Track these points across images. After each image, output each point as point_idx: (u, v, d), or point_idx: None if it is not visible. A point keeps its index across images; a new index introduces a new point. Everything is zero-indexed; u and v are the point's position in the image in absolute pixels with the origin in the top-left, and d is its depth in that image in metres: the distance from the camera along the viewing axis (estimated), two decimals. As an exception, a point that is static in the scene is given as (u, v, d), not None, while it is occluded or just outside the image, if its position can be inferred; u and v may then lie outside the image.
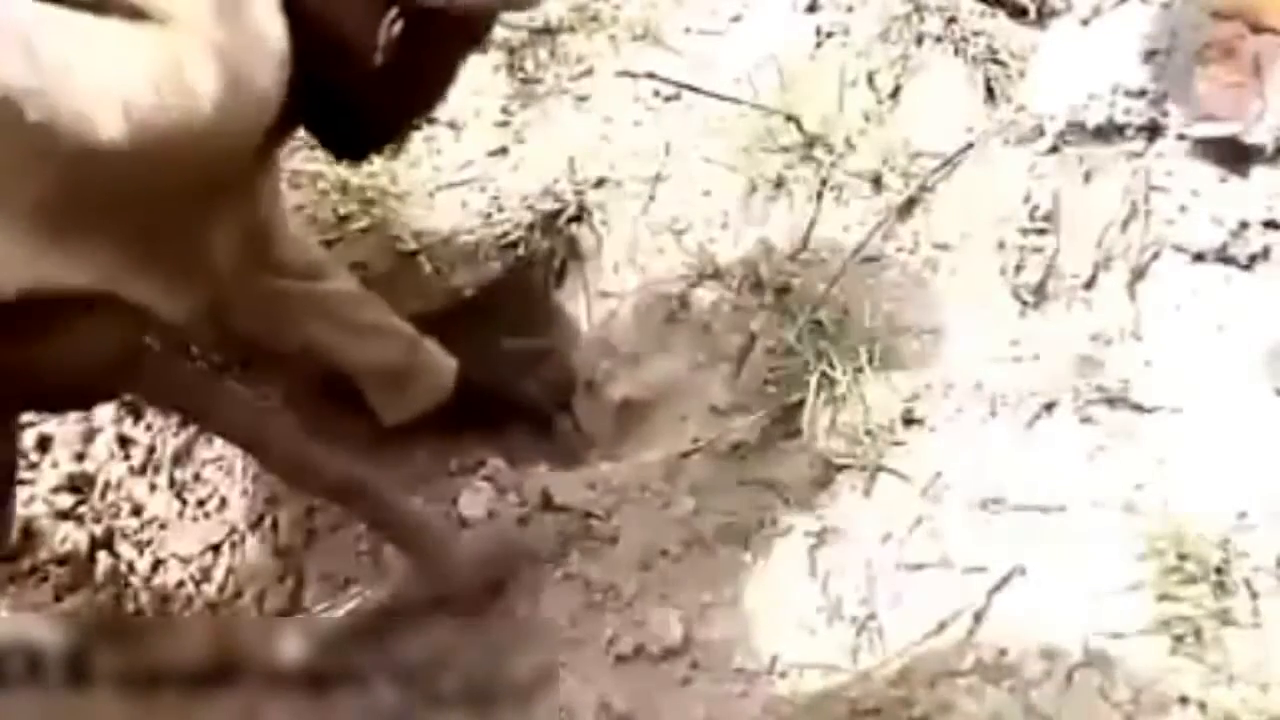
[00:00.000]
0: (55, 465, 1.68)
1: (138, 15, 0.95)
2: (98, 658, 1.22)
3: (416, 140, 1.78)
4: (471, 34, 1.20)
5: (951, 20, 1.68)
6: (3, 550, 1.38)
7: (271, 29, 1.01)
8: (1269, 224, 1.42)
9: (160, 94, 0.95)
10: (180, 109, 0.96)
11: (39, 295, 0.97)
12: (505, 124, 1.85)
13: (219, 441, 1.63)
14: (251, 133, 1.04)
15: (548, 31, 1.87)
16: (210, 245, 1.14)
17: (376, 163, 1.70)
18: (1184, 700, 1.20)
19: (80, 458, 1.69)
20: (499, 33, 1.80)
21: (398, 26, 1.09)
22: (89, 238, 0.99)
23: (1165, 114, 1.48)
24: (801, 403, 1.49)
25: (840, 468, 1.45)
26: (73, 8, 0.93)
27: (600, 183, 1.77)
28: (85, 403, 1.33)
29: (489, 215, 1.77)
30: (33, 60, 0.90)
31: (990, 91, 1.65)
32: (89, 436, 1.70)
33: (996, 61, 1.65)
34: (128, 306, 1.05)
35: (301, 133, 1.26)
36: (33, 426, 1.67)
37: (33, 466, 1.67)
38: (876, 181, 1.62)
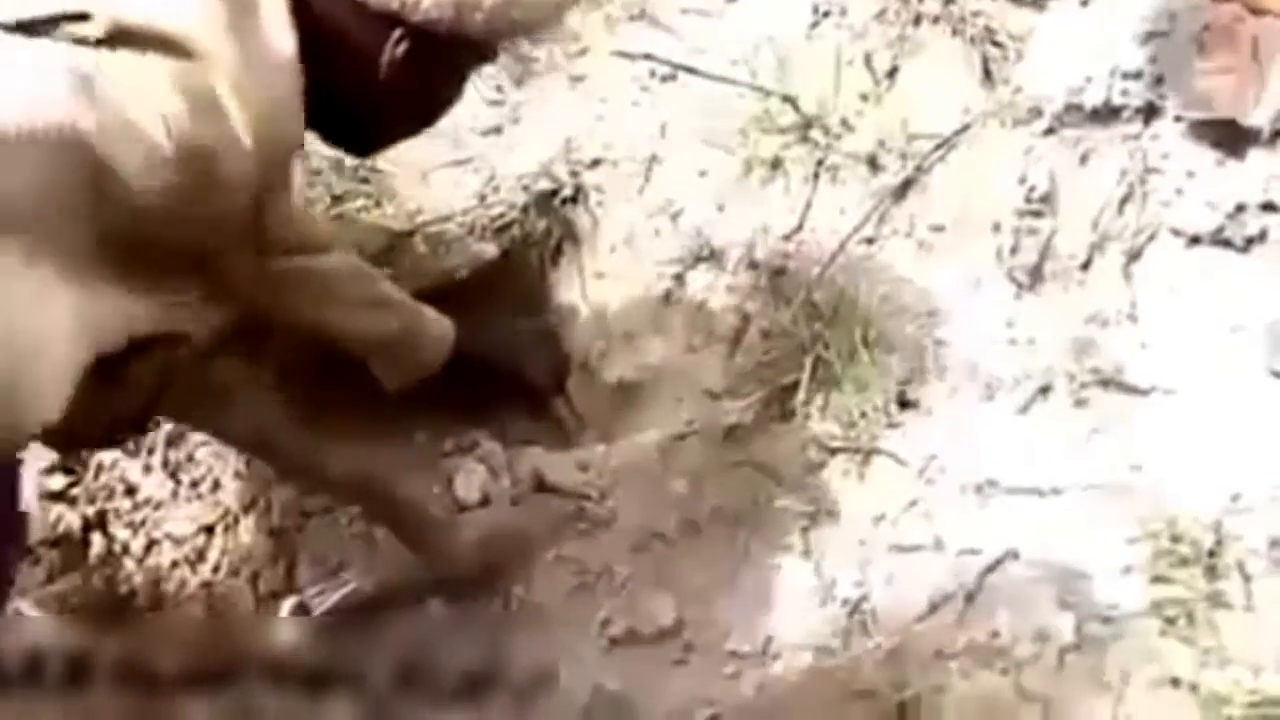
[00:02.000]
0: (47, 446, 1.68)
1: (170, 49, 0.97)
2: (97, 654, 1.22)
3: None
4: (481, 54, 1.21)
5: (949, 1, 1.67)
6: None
7: (283, 44, 1.03)
8: (1266, 207, 1.41)
9: (200, 122, 0.97)
10: (216, 136, 0.99)
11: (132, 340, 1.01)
12: (500, 103, 1.84)
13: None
14: (285, 154, 1.08)
15: (544, 11, 1.86)
16: (237, 262, 1.15)
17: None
18: (1176, 682, 1.20)
19: (73, 439, 1.68)
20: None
21: (403, 46, 1.09)
22: (147, 278, 1.02)
23: (1163, 96, 1.47)
24: (796, 385, 1.49)
25: (834, 450, 1.45)
26: (109, 47, 0.95)
27: (596, 163, 1.76)
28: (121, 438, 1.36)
29: (484, 196, 1.76)
30: (91, 97, 0.92)
31: (988, 73, 1.64)
32: (82, 417, 1.69)
33: (994, 43, 1.64)
34: (168, 338, 1.06)
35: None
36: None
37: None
38: (873, 163, 1.61)
